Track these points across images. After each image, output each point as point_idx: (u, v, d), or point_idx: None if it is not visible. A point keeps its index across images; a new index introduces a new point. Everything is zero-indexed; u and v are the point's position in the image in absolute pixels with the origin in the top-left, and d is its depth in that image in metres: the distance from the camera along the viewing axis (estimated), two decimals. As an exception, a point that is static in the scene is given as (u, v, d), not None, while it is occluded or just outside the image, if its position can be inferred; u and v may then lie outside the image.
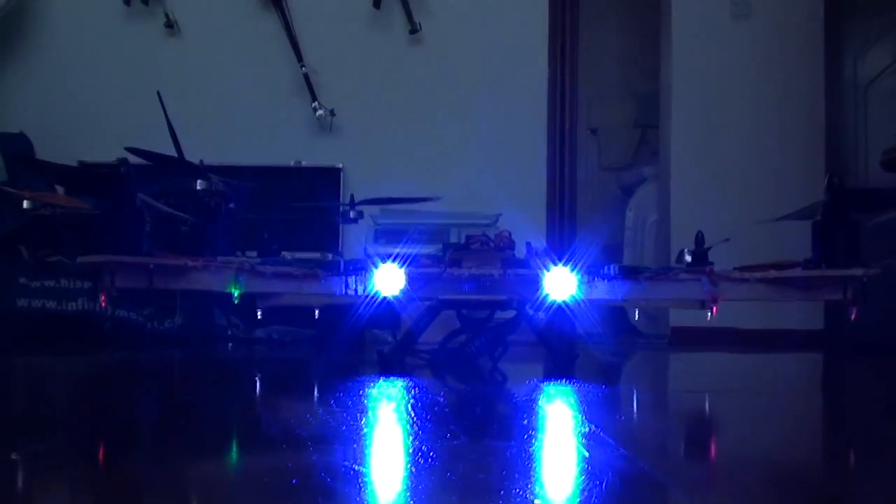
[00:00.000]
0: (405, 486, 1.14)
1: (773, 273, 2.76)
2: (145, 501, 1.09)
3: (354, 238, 4.50)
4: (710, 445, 1.67)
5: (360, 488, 1.13)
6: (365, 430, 1.63)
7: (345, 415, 1.80)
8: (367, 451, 1.42)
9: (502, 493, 1.10)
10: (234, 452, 1.49)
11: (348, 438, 1.53)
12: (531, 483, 1.19)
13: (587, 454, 1.38)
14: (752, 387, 2.84)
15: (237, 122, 4.96)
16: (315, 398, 2.27)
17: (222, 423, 1.84)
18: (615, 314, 4.74)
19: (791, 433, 1.76)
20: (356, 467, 1.27)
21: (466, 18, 5.12)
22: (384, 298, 2.78)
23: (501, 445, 1.49)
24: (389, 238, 4.24)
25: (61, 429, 1.69)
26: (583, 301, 2.74)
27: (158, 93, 3.57)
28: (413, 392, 2.19)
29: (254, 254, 3.12)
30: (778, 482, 1.25)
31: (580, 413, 1.90)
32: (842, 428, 1.93)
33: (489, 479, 1.19)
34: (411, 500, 1.06)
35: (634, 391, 2.73)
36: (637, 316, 3.53)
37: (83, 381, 2.79)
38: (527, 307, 2.79)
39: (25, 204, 3.32)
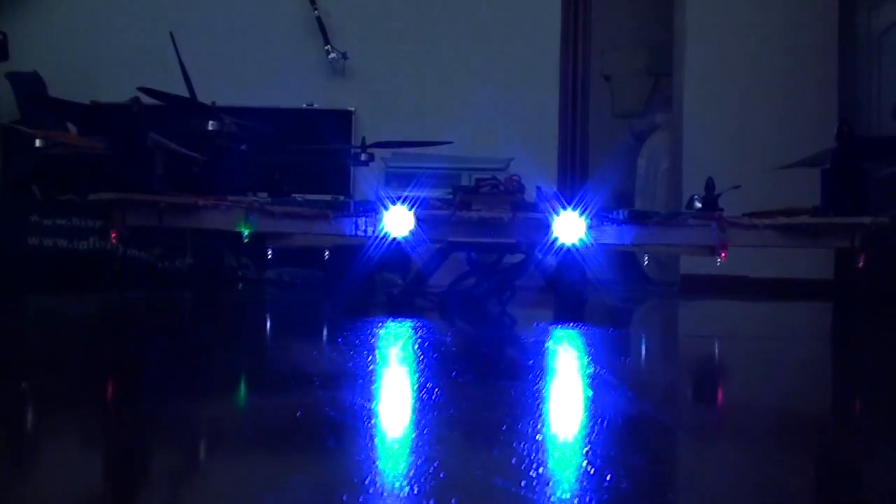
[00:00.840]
0: (410, 421, 1.16)
1: (781, 220, 2.77)
2: (157, 435, 1.10)
3: (365, 181, 4.49)
4: (715, 390, 1.68)
5: (366, 421, 1.15)
6: (372, 367, 1.64)
7: (352, 353, 1.81)
8: (373, 387, 1.44)
9: (505, 428, 1.12)
10: (243, 387, 1.51)
11: (356, 375, 1.54)
12: (535, 420, 1.20)
13: (591, 394, 1.39)
14: (761, 333, 2.85)
15: (250, 65, 4.95)
16: (324, 337, 2.29)
17: (233, 358, 1.86)
18: (625, 261, 4.73)
19: (797, 379, 1.77)
20: (362, 402, 1.28)
21: (480, -38, 5.10)
22: (394, 240, 2.78)
23: (507, 384, 1.50)
24: (400, 181, 4.24)
25: (74, 365, 1.71)
26: (592, 245, 2.74)
27: (171, 34, 3.56)
28: (421, 332, 2.21)
29: (265, 195, 3.13)
30: (780, 427, 1.26)
31: (586, 355, 1.91)
32: (848, 375, 1.94)
33: (493, 415, 1.20)
34: (416, 434, 1.08)
35: (642, 335, 2.75)
36: (647, 262, 3.53)
37: (96, 320, 2.81)
38: (536, 251, 2.80)
39: (38, 143, 3.33)
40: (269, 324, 2.78)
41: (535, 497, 0.81)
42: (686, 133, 4.92)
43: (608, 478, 0.87)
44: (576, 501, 0.80)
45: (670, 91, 5.49)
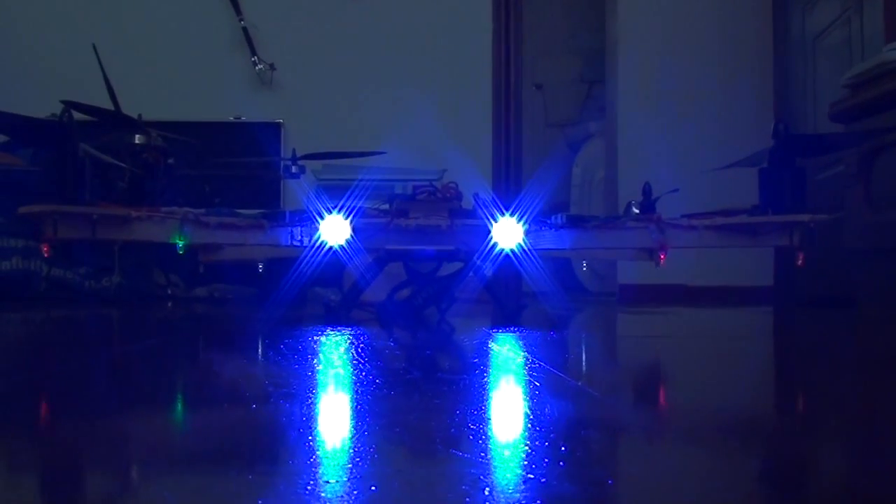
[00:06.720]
0: (365, 409, 1.14)
1: (719, 220, 2.77)
2: (86, 453, 1.04)
3: (295, 194, 4.43)
4: (656, 377, 1.68)
5: (320, 412, 1.12)
6: (319, 367, 1.62)
7: (297, 356, 1.78)
8: (323, 384, 1.41)
9: (458, 412, 1.10)
10: (181, 390, 1.47)
11: (302, 374, 1.51)
12: (485, 404, 1.19)
13: (537, 384, 1.38)
14: (697, 333, 2.85)
15: (176, 77, 4.89)
16: (263, 344, 2.24)
17: (170, 367, 1.81)
18: (563, 272, 4.73)
19: (724, 369, 1.78)
20: (313, 394, 1.26)
21: (410, -27, 5.08)
22: (329, 252, 2.74)
23: (454, 378, 1.49)
24: (332, 194, 4.20)
25: None
26: (530, 251, 2.72)
27: (94, 46, 3.49)
28: (364, 339, 2.18)
29: (202, 211, 3.07)
30: (703, 402, 1.27)
31: (528, 353, 1.89)
32: (781, 368, 1.94)
33: (444, 403, 1.19)
34: (371, 420, 1.06)
35: (581, 336, 2.73)
36: (585, 269, 3.52)
37: (18, 337, 2.73)
38: (475, 258, 2.76)
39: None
40: (201, 334, 2.71)
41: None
42: (621, 140, 4.94)
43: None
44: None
45: (604, 98, 5.51)
